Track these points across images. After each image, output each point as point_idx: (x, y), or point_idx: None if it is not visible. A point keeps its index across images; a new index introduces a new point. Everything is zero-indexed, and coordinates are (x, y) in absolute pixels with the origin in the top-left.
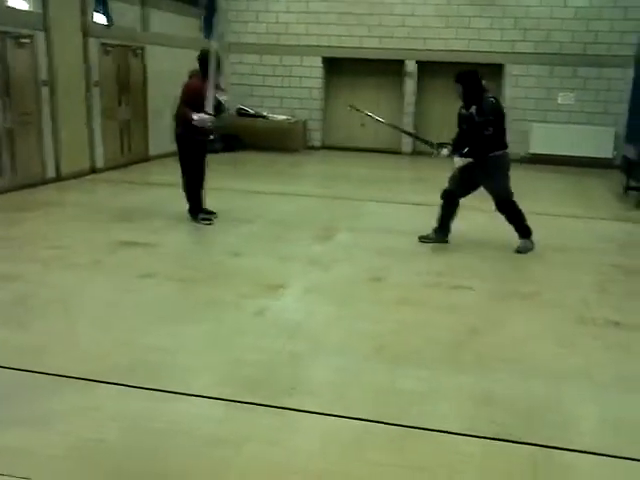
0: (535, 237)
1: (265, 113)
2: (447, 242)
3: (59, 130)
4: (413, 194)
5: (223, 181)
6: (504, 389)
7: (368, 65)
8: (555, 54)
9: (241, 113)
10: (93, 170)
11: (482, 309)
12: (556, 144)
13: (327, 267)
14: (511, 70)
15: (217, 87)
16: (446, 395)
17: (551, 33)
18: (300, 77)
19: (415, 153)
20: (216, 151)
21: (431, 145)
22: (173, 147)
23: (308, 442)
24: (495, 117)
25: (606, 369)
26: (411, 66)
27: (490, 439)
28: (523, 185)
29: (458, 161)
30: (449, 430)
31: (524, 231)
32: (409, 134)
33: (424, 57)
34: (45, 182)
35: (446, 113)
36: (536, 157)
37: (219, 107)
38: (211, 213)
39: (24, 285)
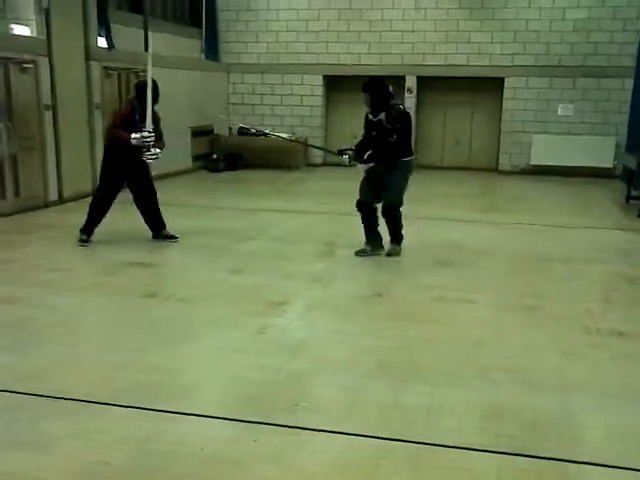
0: (538, 248)
1: (266, 131)
2: (383, 249)
3: (62, 153)
4: (412, 207)
5: (225, 199)
6: (511, 402)
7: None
8: (555, 66)
9: (242, 132)
10: (95, 192)
11: (486, 322)
12: (557, 155)
13: (329, 283)
14: (511, 83)
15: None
16: (453, 409)
17: (550, 46)
18: (301, 95)
19: (415, 167)
20: (218, 170)
21: (334, 153)
22: (174, 167)
23: (315, 461)
24: (402, 124)
25: (613, 380)
26: (411, 81)
27: (501, 453)
28: (525, 196)
29: (361, 167)
30: (459, 445)
31: (398, 238)
32: (308, 146)
33: (424, 72)
34: (47, 205)
35: (447, 126)
36: (537, 168)
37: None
38: (172, 237)
39: (25, 308)
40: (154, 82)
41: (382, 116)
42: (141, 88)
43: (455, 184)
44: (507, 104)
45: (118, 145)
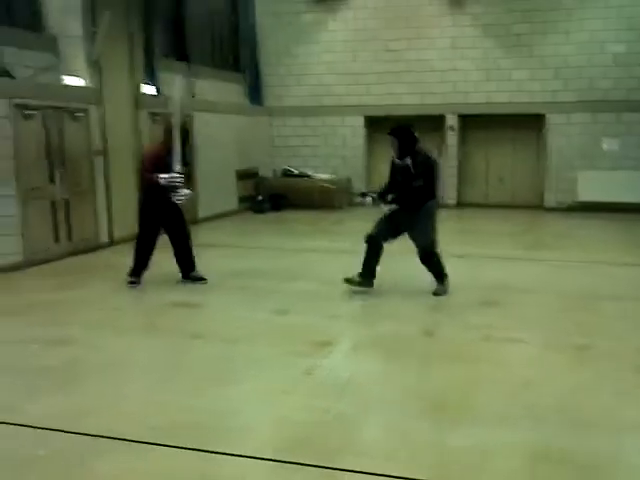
0: (587, 286)
1: (309, 172)
2: (372, 287)
3: (112, 197)
4: (458, 246)
5: (270, 239)
6: (562, 443)
7: (410, 121)
8: (598, 101)
9: (286, 174)
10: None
11: (535, 361)
12: (603, 191)
13: (374, 323)
14: (553, 119)
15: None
16: (503, 452)
17: (593, 81)
18: (343, 136)
19: (459, 205)
20: (263, 211)
21: (357, 195)
22: (222, 208)
23: None
24: (428, 169)
25: None
26: (452, 120)
27: None
28: (572, 233)
29: (385, 208)
30: None
31: (442, 278)
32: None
33: (466, 110)
34: (98, 247)
35: (490, 163)
36: (584, 205)
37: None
38: (201, 279)
39: (76, 349)
40: (183, 125)
41: (408, 161)
42: (170, 131)
43: (500, 221)
44: (550, 140)
45: (150, 188)
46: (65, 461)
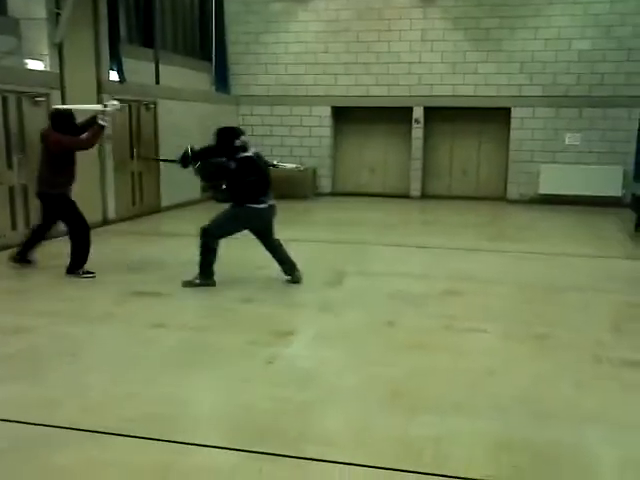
0: (548, 277)
1: (275, 162)
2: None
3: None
4: (422, 237)
5: None
6: (521, 432)
7: (376, 112)
8: (561, 96)
9: None
10: (105, 222)
11: (496, 351)
12: (565, 184)
13: (338, 312)
14: (518, 113)
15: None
16: (465, 440)
17: (557, 76)
18: (309, 126)
19: (424, 197)
20: (227, 200)
21: (173, 161)
22: (185, 197)
23: None
24: (240, 168)
25: (624, 410)
26: (419, 112)
27: None
28: (534, 225)
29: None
30: (468, 477)
31: (202, 272)
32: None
33: (431, 103)
34: (56, 235)
35: (454, 156)
36: (545, 197)
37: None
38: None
39: (35, 338)
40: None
41: (228, 161)
42: (58, 116)
43: (463, 213)
44: (514, 134)
45: (47, 182)
46: (26, 453)
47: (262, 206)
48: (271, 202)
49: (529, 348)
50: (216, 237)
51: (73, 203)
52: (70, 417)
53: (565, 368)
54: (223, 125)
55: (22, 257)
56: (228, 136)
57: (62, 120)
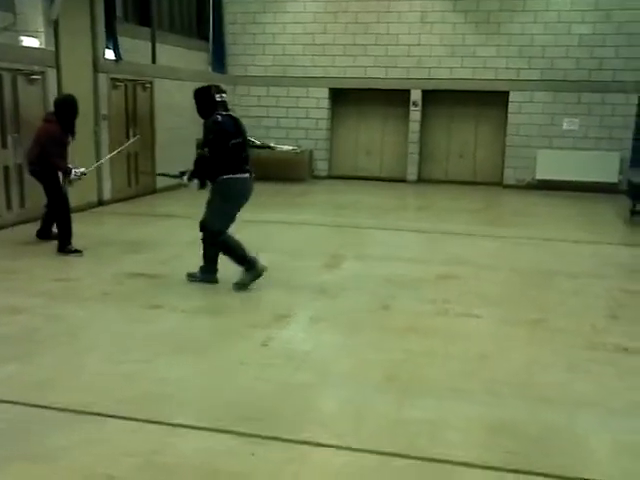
0: (543, 262)
1: (271, 144)
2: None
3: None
4: (418, 221)
5: None
6: (515, 417)
7: (374, 94)
8: (560, 81)
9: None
10: (100, 202)
11: (490, 336)
12: (562, 169)
13: (334, 296)
14: (515, 97)
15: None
16: (457, 424)
17: (555, 60)
18: (306, 108)
19: (420, 181)
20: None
21: (175, 177)
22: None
23: (319, 476)
24: (217, 136)
25: (618, 395)
26: (416, 95)
27: (505, 471)
28: (530, 211)
29: (193, 187)
30: (462, 461)
31: (206, 266)
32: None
33: (429, 86)
34: None
35: (451, 140)
36: (542, 183)
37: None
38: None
39: (30, 318)
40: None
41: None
42: (62, 104)
43: (459, 198)
44: (512, 118)
45: (50, 166)
46: (23, 433)
47: (244, 175)
48: (253, 171)
49: (524, 333)
50: (221, 230)
51: (58, 179)
52: (65, 398)
53: (559, 353)
54: (204, 85)
55: (45, 233)
56: (208, 93)
57: (66, 110)
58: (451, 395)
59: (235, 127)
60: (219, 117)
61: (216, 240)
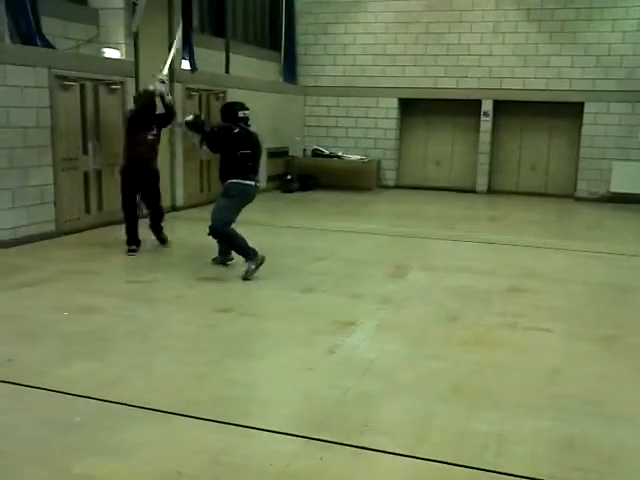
0: (615, 277)
1: (340, 153)
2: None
3: None
4: (487, 233)
5: (298, 219)
6: (587, 433)
7: (443, 105)
8: (638, 91)
9: (316, 154)
10: (174, 208)
11: (561, 351)
12: (638, 183)
13: (400, 305)
14: (591, 108)
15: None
16: (525, 438)
17: (635, 70)
18: (375, 118)
19: (490, 192)
20: (292, 190)
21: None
22: None
23: None
24: (227, 141)
25: None
26: (487, 105)
27: None
28: (603, 224)
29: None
30: (530, 476)
31: (246, 254)
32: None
33: (501, 96)
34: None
35: (523, 151)
36: (617, 196)
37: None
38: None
39: (105, 318)
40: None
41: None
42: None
43: (530, 209)
44: (587, 129)
45: (127, 156)
46: (98, 428)
47: (249, 182)
48: (257, 181)
49: (597, 349)
50: (227, 225)
51: (126, 181)
52: (136, 395)
53: (633, 370)
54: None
55: (159, 238)
56: (232, 109)
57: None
58: (519, 409)
59: (247, 140)
60: (237, 129)
61: (221, 231)
